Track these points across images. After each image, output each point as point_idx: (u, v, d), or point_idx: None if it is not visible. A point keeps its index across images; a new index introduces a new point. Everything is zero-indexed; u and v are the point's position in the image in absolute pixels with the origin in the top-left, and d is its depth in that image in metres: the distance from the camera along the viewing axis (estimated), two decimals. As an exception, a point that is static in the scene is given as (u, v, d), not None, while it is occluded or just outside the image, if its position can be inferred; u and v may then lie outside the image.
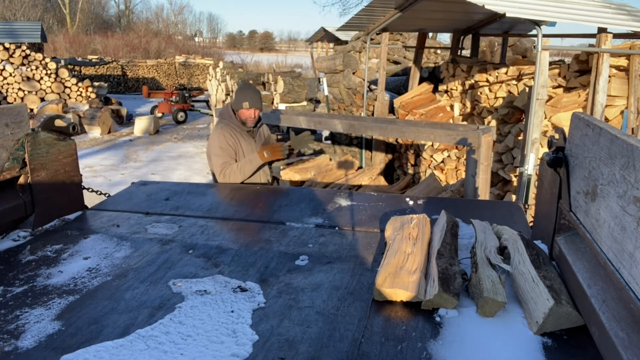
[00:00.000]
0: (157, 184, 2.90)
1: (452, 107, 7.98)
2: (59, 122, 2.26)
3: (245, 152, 3.15)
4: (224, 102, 9.64)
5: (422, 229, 1.79)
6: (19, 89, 12.91)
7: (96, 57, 24.40)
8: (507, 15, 4.72)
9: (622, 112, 5.56)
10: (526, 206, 2.54)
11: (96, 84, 15.61)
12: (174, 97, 14.80)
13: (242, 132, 3.18)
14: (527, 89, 6.14)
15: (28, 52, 13.14)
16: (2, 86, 12.78)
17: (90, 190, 2.62)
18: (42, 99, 13.10)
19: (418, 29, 8.55)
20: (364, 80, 8.67)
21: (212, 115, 11.53)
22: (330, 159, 7.47)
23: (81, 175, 2.38)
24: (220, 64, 11.37)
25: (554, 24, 4.90)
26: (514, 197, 5.82)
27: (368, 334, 1.29)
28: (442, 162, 7.32)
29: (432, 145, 7.42)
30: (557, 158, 1.59)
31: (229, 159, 3.07)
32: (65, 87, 13.52)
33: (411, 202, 2.46)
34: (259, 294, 1.51)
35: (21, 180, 2.08)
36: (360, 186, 6.87)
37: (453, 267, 1.50)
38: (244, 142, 3.17)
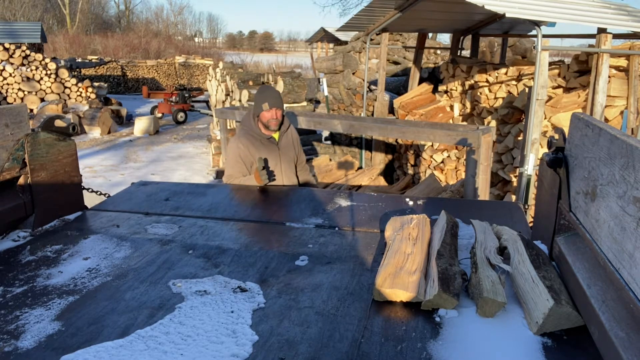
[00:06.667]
0: (157, 185, 2.90)
1: (452, 107, 7.98)
2: (58, 123, 2.26)
3: (267, 161, 3.02)
4: (223, 102, 9.63)
5: (422, 229, 1.79)
6: (19, 89, 12.90)
7: (96, 57, 24.39)
8: (507, 15, 4.72)
9: (621, 113, 5.56)
10: (526, 206, 2.54)
11: (96, 84, 15.59)
12: (173, 97, 14.80)
13: (262, 140, 3.05)
14: (526, 89, 6.14)
15: (28, 52, 13.13)
16: (2, 86, 12.77)
17: (90, 190, 2.62)
18: (42, 100, 13.09)
19: (418, 29, 8.55)
20: (363, 80, 8.67)
21: (212, 115, 11.53)
22: (330, 159, 7.47)
23: (81, 175, 2.38)
24: (220, 65, 11.36)
25: (554, 24, 4.90)
26: (514, 197, 5.82)
27: (368, 334, 1.29)
28: (442, 162, 7.32)
29: (432, 145, 7.42)
30: (557, 158, 1.59)
31: (236, 173, 3.01)
32: (65, 87, 13.50)
33: (411, 203, 2.46)
34: (258, 294, 1.51)
35: (21, 180, 2.08)
36: (360, 186, 6.88)
37: (453, 268, 1.50)
38: (265, 151, 3.03)
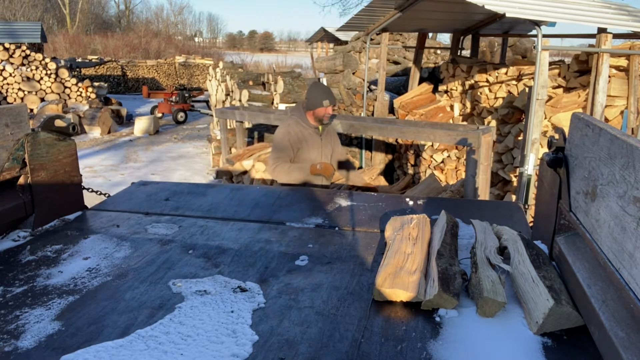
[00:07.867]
0: (157, 184, 2.90)
1: (452, 107, 7.98)
2: (58, 123, 2.26)
3: (311, 149, 3.34)
4: (223, 102, 9.63)
5: (422, 229, 1.79)
6: (19, 89, 12.90)
7: (96, 57, 24.36)
8: (507, 15, 4.72)
9: (622, 112, 5.56)
10: (526, 206, 2.54)
11: (96, 84, 15.59)
12: (174, 97, 14.79)
13: (309, 129, 3.35)
14: (527, 89, 6.14)
15: (28, 52, 13.12)
16: (2, 86, 12.76)
17: (90, 190, 2.62)
18: (42, 99, 13.09)
19: (418, 29, 8.55)
20: (363, 80, 8.68)
21: (212, 115, 11.53)
22: (330, 159, 7.46)
23: (81, 175, 2.38)
24: (220, 64, 11.36)
25: (554, 24, 4.90)
26: (514, 197, 5.82)
27: (368, 334, 1.29)
28: (442, 162, 7.32)
29: (432, 145, 7.41)
30: (557, 158, 1.59)
31: (284, 156, 3.27)
32: (65, 87, 13.50)
33: (411, 202, 2.46)
34: (258, 294, 1.51)
35: (21, 180, 2.08)
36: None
37: (453, 267, 1.50)
38: (310, 140, 3.35)
